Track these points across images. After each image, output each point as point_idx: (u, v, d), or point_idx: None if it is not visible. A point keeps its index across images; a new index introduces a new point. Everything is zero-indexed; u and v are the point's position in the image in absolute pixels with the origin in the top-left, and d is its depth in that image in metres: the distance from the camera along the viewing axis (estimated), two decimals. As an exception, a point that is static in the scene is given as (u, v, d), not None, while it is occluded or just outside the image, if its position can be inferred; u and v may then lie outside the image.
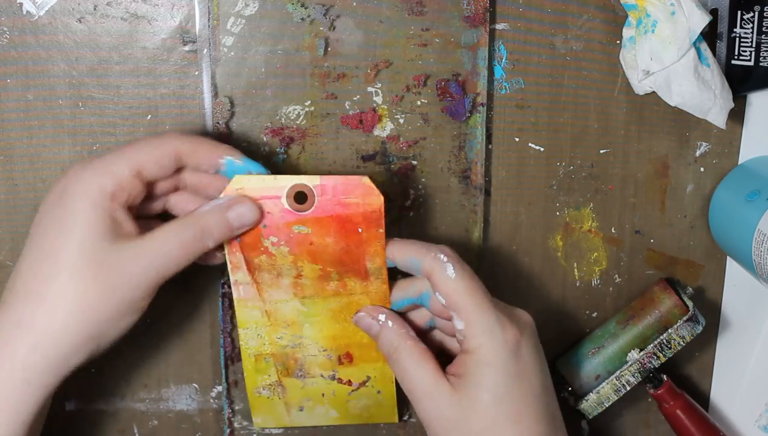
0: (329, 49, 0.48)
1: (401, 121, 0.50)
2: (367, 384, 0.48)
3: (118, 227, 0.40)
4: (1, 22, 0.46)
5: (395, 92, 0.49)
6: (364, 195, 0.42)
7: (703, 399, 0.58)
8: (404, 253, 0.43)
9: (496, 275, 0.54)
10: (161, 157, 0.41)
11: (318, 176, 0.42)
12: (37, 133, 0.48)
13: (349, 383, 0.48)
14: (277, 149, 0.49)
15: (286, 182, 0.42)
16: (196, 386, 0.52)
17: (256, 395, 0.49)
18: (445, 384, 0.41)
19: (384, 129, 0.50)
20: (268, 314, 0.46)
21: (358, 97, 0.49)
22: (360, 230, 0.43)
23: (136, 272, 0.39)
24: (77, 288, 0.38)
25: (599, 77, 0.52)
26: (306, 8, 0.47)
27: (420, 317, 0.46)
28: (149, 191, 0.42)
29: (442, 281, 0.41)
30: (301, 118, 0.49)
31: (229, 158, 0.42)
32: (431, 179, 0.51)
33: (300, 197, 0.42)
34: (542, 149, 0.53)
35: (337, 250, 0.43)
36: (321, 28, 0.48)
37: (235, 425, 0.52)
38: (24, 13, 0.46)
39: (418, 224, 0.51)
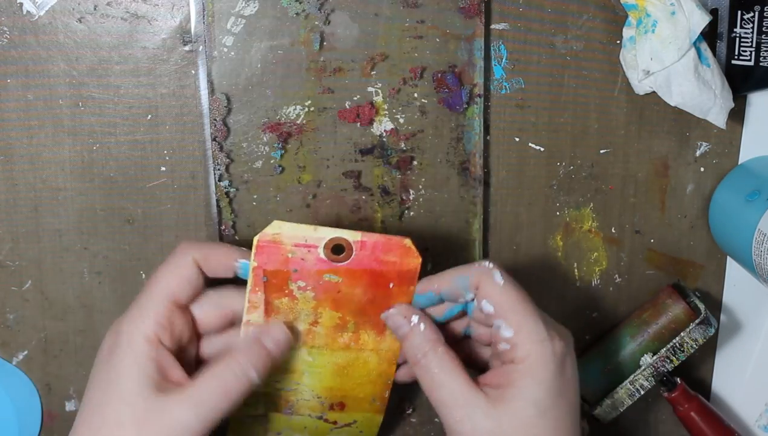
0: (325, 43, 0.48)
1: (398, 114, 0.50)
2: (351, 426, 0.48)
3: (165, 374, 0.39)
4: (1, 22, 0.46)
5: (392, 85, 0.49)
6: (402, 255, 0.42)
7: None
8: (449, 275, 0.42)
9: (496, 275, 0.54)
10: (185, 272, 0.41)
11: (359, 233, 0.41)
12: (37, 133, 0.48)
13: (335, 423, 0.48)
14: (275, 145, 0.49)
15: (325, 234, 0.41)
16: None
17: (239, 421, 0.47)
18: (480, 394, 0.39)
19: (381, 122, 0.50)
20: None
21: (354, 90, 0.49)
22: (391, 286, 0.42)
23: (180, 423, 0.38)
24: None
25: (599, 77, 0.52)
26: (300, 2, 0.47)
27: (456, 324, 0.45)
28: (195, 331, 0.43)
29: (491, 287, 0.40)
30: (298, 113, 0.49)
31: (244, 261, 0.41)
32: (430, 172, 0.51)
33: (337, 249, 0.41)
34: (542, 149, 0.53)
35: (363, 300, 0.43)
36: (316, 23, 0.48)
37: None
38: (24, 13, 0.46)
39: (419, 217, 0.51)
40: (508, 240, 0.53)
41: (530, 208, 0.53)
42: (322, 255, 0.41)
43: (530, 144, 0.52)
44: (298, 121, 0.49)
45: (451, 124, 0.50)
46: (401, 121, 0.50)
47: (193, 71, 0.48)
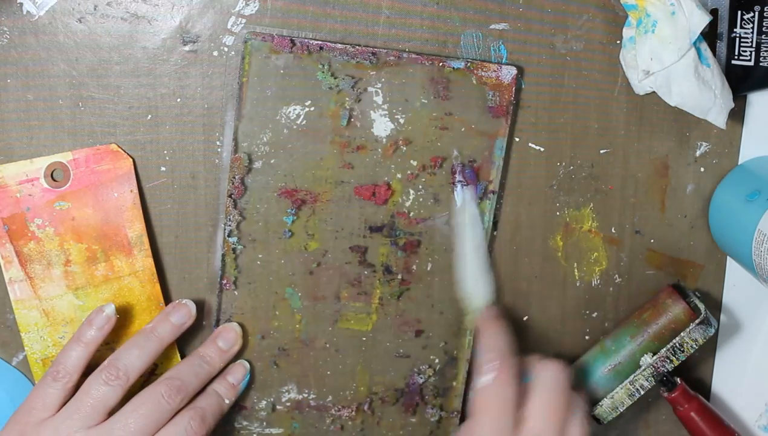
0: (352, 120, 0.49)
1: (413, 198, 0.50)
2: (156, 373, 0.50)
3: None
4: (1, 22, 0.46)
5: (411, 170, 0.50)
6: (114, 160, 0.46)
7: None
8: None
9: (497, 275, 0.54)
10: None
11: (70, 151, 0.46)
12: (37, 134, 0.48)
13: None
14: (288, 210, 0.49)
15: (41, 163, 0.46)
16: (196, 386, 0.52)
17: None
18: None
19: (395, 204, 0.50)
20: (46, 314, 0.47)
21: (374, 169, 0.49)
22: (116, 195, 0.46)
23: None
24: None
25: (599, 77, 0.52)
26: (335, 78, 0.48)
27: None
28: None
29: None
30: (316, 182, 0.49)
31: None
32: (435, 258, 0.51)
33: (58, 175, 0.46)
34: (542, 149, 0.53)
35: (98, 221, 0.46)
36: (347, 99, 0.48)
37: (235, 425, 0.52)
38: (24, 13, 0.46)
39: (417, 300, 0.52)
40: (508, 240, 0.53)
41: (530, 209, 0.53)
42: (46, 184, 0.45)
43: (530, 144, 0.52)
44: (314, 190, 0.49)
45: None
46: (414, 205, 0.50)
47: (195, 72, 0.48)
